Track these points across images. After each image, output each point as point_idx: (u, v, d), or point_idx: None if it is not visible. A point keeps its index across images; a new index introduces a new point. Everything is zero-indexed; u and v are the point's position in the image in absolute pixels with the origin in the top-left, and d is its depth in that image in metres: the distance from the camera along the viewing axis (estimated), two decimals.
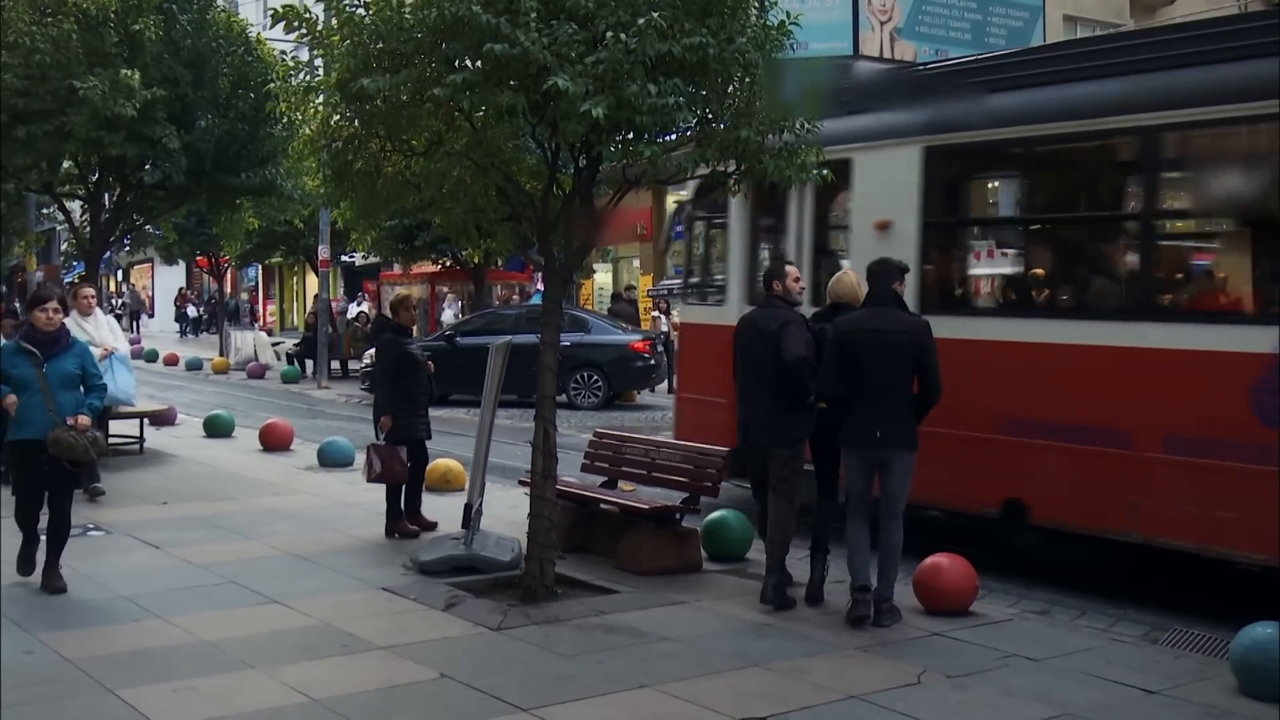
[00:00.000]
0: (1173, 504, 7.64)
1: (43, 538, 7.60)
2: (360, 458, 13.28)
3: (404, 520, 9.58)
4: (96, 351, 10.04)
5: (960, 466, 8.63)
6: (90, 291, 11.25)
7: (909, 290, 8.13)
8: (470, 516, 8.35)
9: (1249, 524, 7.21)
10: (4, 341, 7.70)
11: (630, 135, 6.98)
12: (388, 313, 10.34)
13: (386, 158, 7.95)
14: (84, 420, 7.35)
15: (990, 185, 9.99)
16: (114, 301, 49.09)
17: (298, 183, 14.18)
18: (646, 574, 8.11)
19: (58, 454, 7.30)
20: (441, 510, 9.97)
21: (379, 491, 11.37)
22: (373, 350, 11.63)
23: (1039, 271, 9.23)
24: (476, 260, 9.10)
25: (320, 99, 7.81)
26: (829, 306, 7.84)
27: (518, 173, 8.01)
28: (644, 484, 9.40)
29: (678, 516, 8.49)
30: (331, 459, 13.04)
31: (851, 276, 7.84)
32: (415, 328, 10.24)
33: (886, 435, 6.98)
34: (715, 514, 8.86)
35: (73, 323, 10.30)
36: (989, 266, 9.52)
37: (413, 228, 24.07)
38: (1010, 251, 9.44)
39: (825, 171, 7.65)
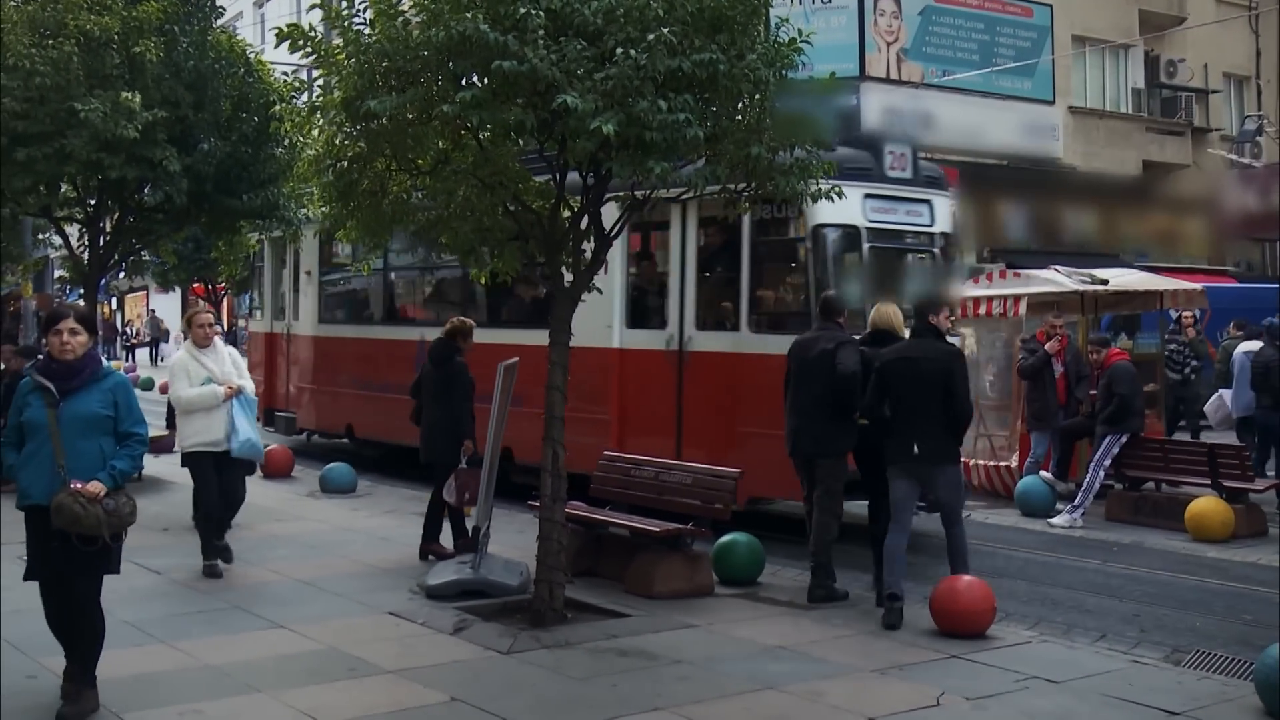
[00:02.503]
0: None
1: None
2: (364, 484, 13.33)
3: (439, 543, 9.62)
4: (220, 391, 8.74)
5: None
6: (209, 317, 9.23)
7: None
8: (478, 540, 8.37)
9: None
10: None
11: (639, 152, 7.04)
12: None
13: (392, 177, 8.01)
14: (93, 487, 5.50)
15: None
16: (129, 330, 48.76)
17: (299, 204, 14.25)
18: (657, 598, 8.12)
19: (61, 526, 5.48)
20: (448, 536, 9.96)
21: (382, 518, 11.44)
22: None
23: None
24: (483, 280, 9.34)
25: (324, 119, 7.87)
26: (869, 333, 8.59)
27: (524, 191, 8.07)
28: (653, 508, 9.43)
29: (689, 541, 8.51)
30: (334, 486, 13.05)
31: (888, 308, 8.63)
32: None
33: (924, 452, 7.66)
34: (726, 537, 8.87)
35: (187, 355, 8.95)
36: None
37: None
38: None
39: (836, 188, 7.74)
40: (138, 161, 12.55)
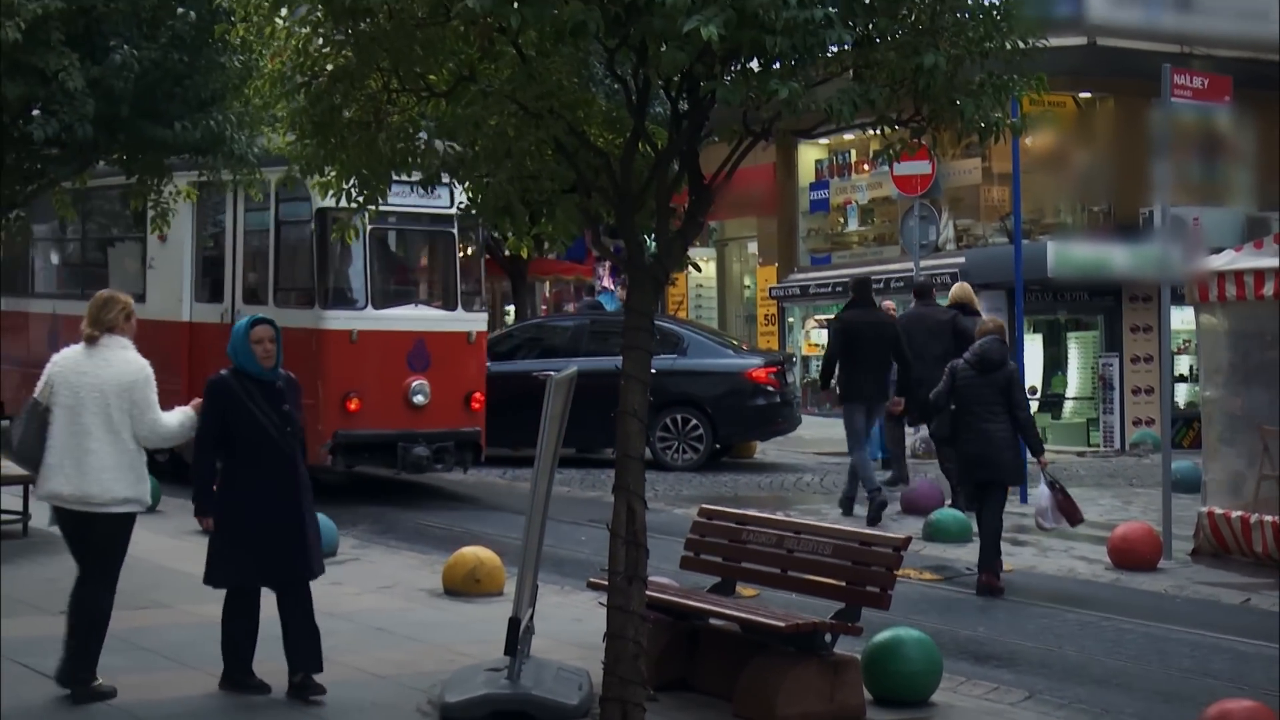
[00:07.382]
0: None
1: None
2: (350, 544, 13.44)
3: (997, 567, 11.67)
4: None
5: None
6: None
7: None
8: (517, 636, 8.38)
9: None
10: None
11: (756, 66, 7.01)
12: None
13: (392, 101, 8.09)
14: None
15: None
16: None
17: (255, 135, 14.39)
18: None
19: None
20: (473, 626, 10.04)
21: (375, 596, 11.53)
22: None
23: None
24: (524, 253, 9.34)
25: (293, 16, 7.96)
26: (952, 306, 16.43)
27: (585, 121, 8.09)
28: (776, 587, 9.41)
29: (828, 639, 8.49)
30: None
31: (965, 285, 16.88)
32: None
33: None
34: (884, 634, 8.84)
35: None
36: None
37: None
38: None
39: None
40: (23, 73, 12.75)
